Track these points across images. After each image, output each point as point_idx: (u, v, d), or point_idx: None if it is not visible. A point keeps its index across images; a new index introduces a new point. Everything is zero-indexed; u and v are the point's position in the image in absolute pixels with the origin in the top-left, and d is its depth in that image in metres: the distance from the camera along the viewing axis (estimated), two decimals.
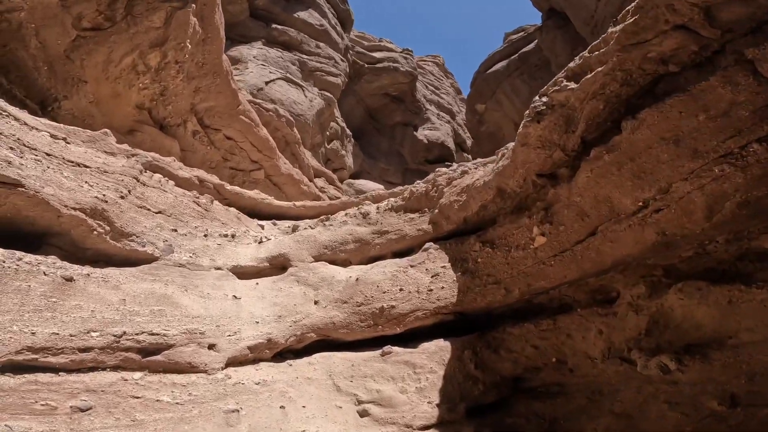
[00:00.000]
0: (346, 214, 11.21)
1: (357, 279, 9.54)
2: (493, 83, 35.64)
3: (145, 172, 8.92)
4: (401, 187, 13.54)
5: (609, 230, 6.26)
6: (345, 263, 10.79)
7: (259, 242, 10.69)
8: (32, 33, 12.14)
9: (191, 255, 9.03)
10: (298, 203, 13.03)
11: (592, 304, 7.78)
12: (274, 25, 32.91)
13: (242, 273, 9.88)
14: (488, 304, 8.91)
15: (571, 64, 6.99)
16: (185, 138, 15.83)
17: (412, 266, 9.72)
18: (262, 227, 11.71)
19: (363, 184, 38.44)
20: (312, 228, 10.91)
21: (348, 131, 37.75)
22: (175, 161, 10.09)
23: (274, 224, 12.42)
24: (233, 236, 10.36)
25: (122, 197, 8.00)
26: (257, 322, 8.65)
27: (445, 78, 47.93)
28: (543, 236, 7.54)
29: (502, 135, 36.67)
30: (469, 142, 45.91)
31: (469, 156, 44.56)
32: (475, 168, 10.53)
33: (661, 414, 5.91)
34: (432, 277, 9.37)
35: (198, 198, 9.84)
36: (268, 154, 19.94)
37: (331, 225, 10.87)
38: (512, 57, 35.32)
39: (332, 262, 10.64)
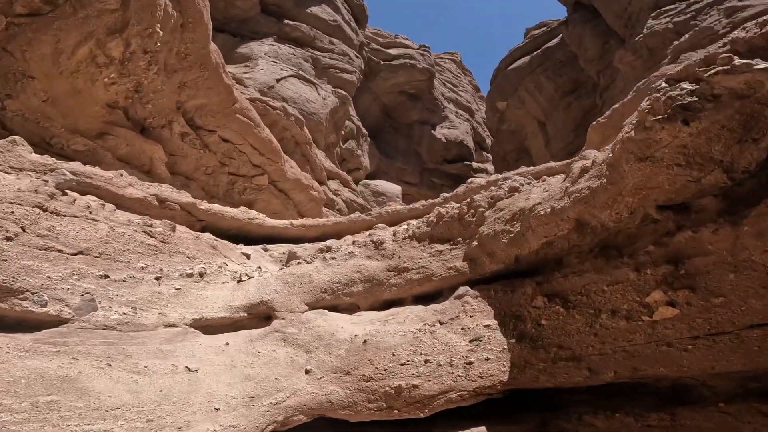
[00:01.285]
0: (353, 243, 8.09)
1: (365, 342, 6.44)
2: (514, 80, 32.18)
3: (64, 194, 5.88)
4: (423, 202, 10.37)
5: None
6: (351, 308, 7.71)
7: (239, 281, 7.64)
8: None
9: (129, 310, 6.00)
10: (296, 222, 9.96)
11: (743, 395, 4.61)
12: (285, 21, 29.89)
13: (209, 327, 6.85)
14: (558, 385, 5.77)
15: (742, 34, 3.77)
16: (172, 141, 12.85)
17: (441, 323, 6.58)
18: (248, 256, 8.65)
19: (379, 184, 35.44)
20: (308, 263, 7.82)
21: (364, 130, 34.64)
22: (122, 176, 7.06)
23: (265, 250, 9.36)
24: (202, 275, 7.32)
25: (8, 238, 4.98)
26: (217, 409, 5.60)
27: (463, 75, 44.34)
28: (672, 306, 4.34)
29: (525, 133, 33.25)
30: (488, 141, 42.43)
31: (489, 155, 41.08)
32: (528, 183, 7.32)
33: None
34: (471, 342, 6.22)
35: (150, 226, 6.80)
36: (272, 157, 16.90)
37: (333, 258, 7.77)
38: (535, 53, 31.84)
39: (333, 308, 7.57)
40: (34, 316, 5.21)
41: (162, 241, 6.94)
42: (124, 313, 5.89)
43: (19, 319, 5.21)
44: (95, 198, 6.37)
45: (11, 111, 9.69)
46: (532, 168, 8.85)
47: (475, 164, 39.78)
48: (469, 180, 9.36)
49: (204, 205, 8.40)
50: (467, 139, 38.65)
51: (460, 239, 7.45)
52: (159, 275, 6.71)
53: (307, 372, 6.41)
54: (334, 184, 28.92)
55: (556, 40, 30.87)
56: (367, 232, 8.34)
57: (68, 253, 5.59)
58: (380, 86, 35.82)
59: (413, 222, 8.13)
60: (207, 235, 8.06)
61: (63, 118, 10.40)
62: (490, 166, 40.35)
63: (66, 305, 5.39)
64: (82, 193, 6.30)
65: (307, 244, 9.50)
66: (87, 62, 9.78)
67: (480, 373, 5.97)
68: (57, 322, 5.34)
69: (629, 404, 5.63)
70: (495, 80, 34.16)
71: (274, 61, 29.06)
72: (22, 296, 5.08)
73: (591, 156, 6.04)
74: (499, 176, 8.91)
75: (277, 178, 17.89)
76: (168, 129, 12.34)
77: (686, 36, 16.85)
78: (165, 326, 6.31)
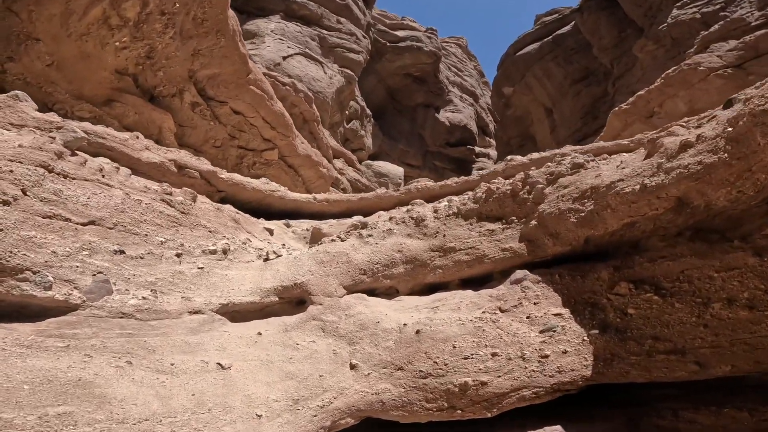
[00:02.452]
0: (390, 219, 7.11)
1: (418, 332, 5.49)
2: (522, 66, 31.01)
3: (74, 154, 4.82)
4: (456, 180, 9.37)
5: None
6: (389, 292, 6.76)
7: (265, 259, 6.63)
8: None
9: (149, 293, 4.99)
10: (319, 196, 8.95)
11: None
12: None
13: (237, 314, 5.87)
14: (654, 380, 4.89)
15: None
16: (182, 111, 11.69)
17: (502, 311, 5.65)
18: (271, 232, 7.64)
19: (382, 165, 34.35)
20: (342, 240, 6.83)
21: (368, 111, 33.38)
22: (138, 138, 6.01)
23: (288, 226, 8.35)
24: (225, 252, 6.30)
25: (5, 203, 3.94)
26: (259, 416, 4.66)
27: (468, 60, 42.97)
28: None
29: (530, 119, 32.21)
30: (491, 126, 41.32)
31: (492, 140, 40.04)
32: (592, 160, 6.33)
33: None
34: (542, 332, 5.30)
35: (170, 194, 5.76)
36: (283, 131, 15.77)
37: (370, 236, 6.78)
38: (545, 39, 30.60)
39: (371, 292, 6.62)
40: (36, 302, 4.19)
41: (182, 212, 5.92)
42: (144, 297, 4.88)
43: (18, 305, 4.20)
44: (108, 160, 5.32)
45: (12, 74, 8.51)
46: (579, 147, 7.85)
47: (477, 149, 38.74)
48: (509, 157, 8.35)
49: (224, 174, 7.36)
50: (471, 123, 37.52)
51: (514, 218, 6.49)
52: (180, 251, 5.70)
53: (353, 367, 5.46)
54: (339, 163, 27.82)
55: (567, 28, 29.70)
56: (404, 208, 7.35)
57: (77, 223, 4.55)
58: (386, 68, 34.47)
59: (455, 198, 7.15)
60: (228, 207, 7.04)
61: (68, 84, 9.24)
62: (492, 151, 39.35)
63: (75, 287, 4.37)
64: (94, 155, 5.25)
65: (331, 221, 8.52)
66: (99, 24, 8.60)
67: (558, 367, 5.05)
68: (64, 309, 4.33)
69: (736, 399, 4.77)
70: (502, 65, 32.96)
71: (281, 39, 27.72)
72: (20, 276, 4.05)
73: (687, 132, 5.06)
74: (546, 153, 7.91)
75: (288, 153, 16.77)
76: (179, 98, 11.19)
77: (716, 26, 15.90)
78: (190, 313, 5.32)
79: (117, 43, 9.51)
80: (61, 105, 9.60)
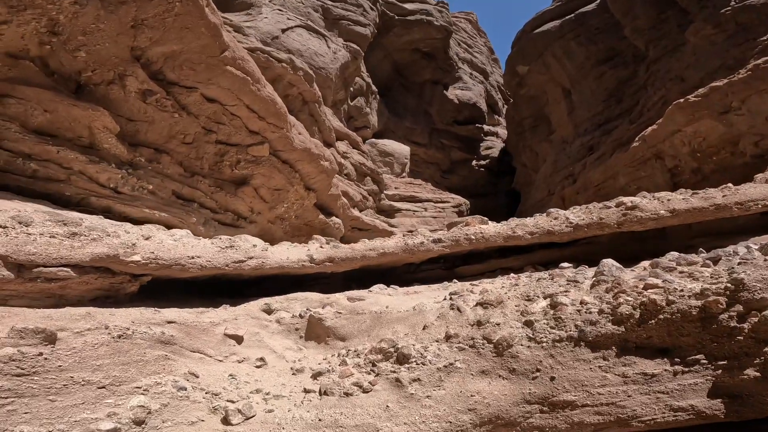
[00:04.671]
0: (447, 340, 3.54)
1: None
2: (540, 44, 26.54)
3: None
4: (529, 227, 5.67)
5: None
6: None
7: (224, 419, 3.12)
8: None
9: None
10: (319, 254, 5.35)
11: None
12: None
13: None
14: None
15: None
16: (128, 102, 7.90)
17: None
18: (238, 340, 4.09)
19: (387, 144, 30.42)
20: (364, 390, 3.27)
21: (374, 87, 29.14)
22: None
23: (269, 311, 4.80)
24: (140, 422, 2.80)
25: None
26: None
27: (478, 36, 38.06)
28: None
29: (546, 100, 27.96)
30: (500, 104, 36.96)
31: (501, 119, 35.80)
32: None
33: None
34: None
35: None
36: (275, 121, 11.95)
37: (415, 381, 3.23)
38: (567, 17, 26.03)
39: None
40: None
41: (21, 375, 2.36)
42: None
43: None
44: None
45: None
46: None
47: (486, 127, 34.62)
48: (628, 201, 4.68)
49: (140, 252, 3.73)
50: (480, 101, 33.23)
51: (700, 357, 2.94)
52: None
53: None
54: (342, 146, 23.95)
55: (592, 5, 25.13)
56: (471, 317, 3.78)
57: None
58: (393, 42, 29.91)
59: (565, 301, 3.55)
60: (147, 318, 3.44)
61: None
62: (501, 130, 35.23)
63: None
64: None
65: (341, 300, 4.96)
66: None
67: None
68: None
69: None
70: (518, 43, 28.43)
71: (280, 10, 23.29)
72: None
73: None
74: (697, 201, 4.16)
75: (281, 147, 13.00)
76: (119, 86, 7.42)
77: None
78: None
79: None
80: None
